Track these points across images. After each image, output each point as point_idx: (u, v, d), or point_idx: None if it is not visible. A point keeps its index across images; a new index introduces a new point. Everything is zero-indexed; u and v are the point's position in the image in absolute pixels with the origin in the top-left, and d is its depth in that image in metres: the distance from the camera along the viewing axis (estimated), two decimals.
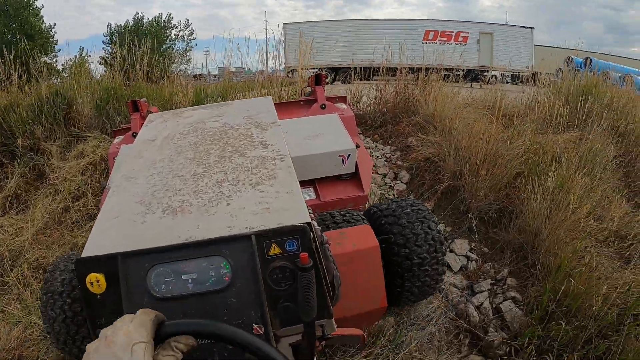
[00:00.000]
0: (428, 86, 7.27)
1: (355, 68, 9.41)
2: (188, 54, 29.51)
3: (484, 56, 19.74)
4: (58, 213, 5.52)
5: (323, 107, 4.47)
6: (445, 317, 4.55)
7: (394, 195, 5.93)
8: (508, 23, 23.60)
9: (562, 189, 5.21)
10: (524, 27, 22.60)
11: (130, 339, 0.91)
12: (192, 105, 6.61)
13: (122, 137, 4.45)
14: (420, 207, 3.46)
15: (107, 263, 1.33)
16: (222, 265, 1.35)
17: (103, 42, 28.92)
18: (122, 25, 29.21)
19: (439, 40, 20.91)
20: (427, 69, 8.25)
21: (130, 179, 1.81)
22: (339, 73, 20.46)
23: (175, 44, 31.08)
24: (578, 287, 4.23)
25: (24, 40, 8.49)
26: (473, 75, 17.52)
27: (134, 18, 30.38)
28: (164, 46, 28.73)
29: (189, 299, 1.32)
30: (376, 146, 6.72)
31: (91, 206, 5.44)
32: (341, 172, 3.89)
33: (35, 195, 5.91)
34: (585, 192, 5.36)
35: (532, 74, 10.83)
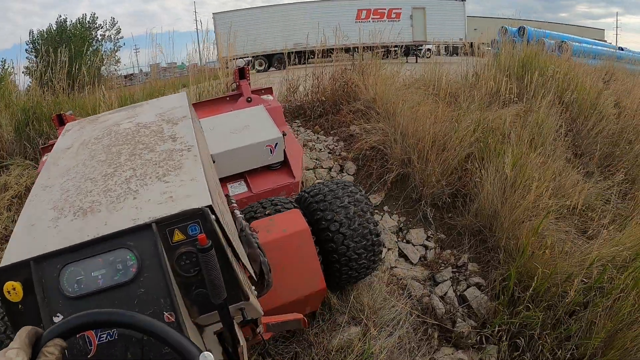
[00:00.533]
0: (366, 69, 6.82)
1: (289, 53, 8.94)
2: (116, 54, 28.07)
3: (417, 31, 19.73)
4: None
5: (249, 100, 4.48)
6: (412, 316, 4.28)
7: None
8: None
9: (515, 167, 4.96)
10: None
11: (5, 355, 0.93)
12: None
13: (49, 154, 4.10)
14: (352, 188, 3.43)
15: (21, 270, 1.32)
16: (128, 257, 1.34)
17: (26, 50, 27.23)
18: (45, 30, 27.67)
19: (372, 19, 20.79)
20: (363, 48, 7.93)
21: (46, 188, 1.79)
22: (273, 59, 19.97)
23: (102, 44, 29.96)
24: (543, 271, 4.01)
25: None
26: (407, 50, 17.47)
27: (56, 22, 28.78)
28: (90, 49, 27.20)
29: (101, 295, 1.30)
30: (318, 138, 6.24)
31: None
32: (270, 162, 3.92)
33: None
34: (539, 169, 5.14)
35: (470, 44, 10.72)
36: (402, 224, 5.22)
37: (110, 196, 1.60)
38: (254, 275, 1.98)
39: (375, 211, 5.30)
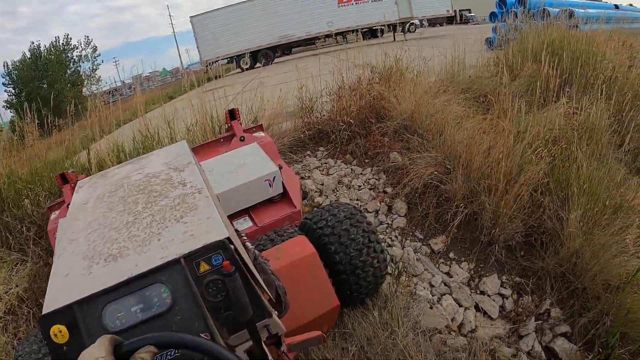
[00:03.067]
0: (392, 77, 5.86)
1: (275, 47, 7.95)
2: (96, 72, 27.89)
3: (403, 8, 18.69)
4: None
5: (242, 139, 4.61)
6: None
7: (396, 237, 4.69)
8: None
9: (591, 195, 4.29)
10: None
11: (91, 355, 1.06)
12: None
13: (57, 212, 4.42)
14: (352, 210, 3.49)
15: (65, 313, 1.41)
16: (162, 290, 1.44)
17: (3, 84, 26.86)
18: (19, 60, 26.36)
19: (354, 1, 19.31)
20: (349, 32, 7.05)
21: (72, 241, 1.86)
22: (259, 56, 18.92)
23: (80, 65, 28.87)
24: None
25: None
26: (394, 29, 16.70)
27: (30, 49, 27.34)
28: (68, 71, 26.71)
29: (141, 326, 1.40)
30: (352, 170, 5.32)
31: None
32: (271, 195, 4.00)
33: None
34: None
35: (450, 16, 9.99)
36: (472, 271, 4.50)
37: (136, 241, 1.68)
38: (272, 298, 2.06)
39: (441, 260, 4.55)
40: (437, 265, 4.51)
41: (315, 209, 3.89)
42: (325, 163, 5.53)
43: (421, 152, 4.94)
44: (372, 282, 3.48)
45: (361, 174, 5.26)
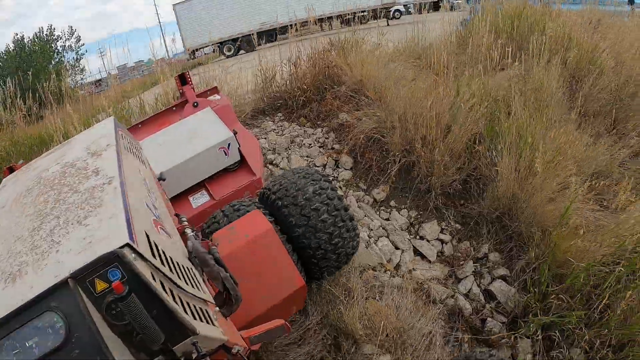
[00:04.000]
0: (346, 47, 6.16)
1: (258, 34, 8.22)
2: (80, 62, 27.06)
3: None
4: None
5: (195, 105, 4.33)
6: (439, 324, 3.96)
7: (340, 187, 4.95)
8: None
9: (525, 143, 4.50)
10: None
11: None
12: None
13: None
14: (313, 175, 3.24)
15: None
16: (55, 319, 1.25)
17: None
18: (4, 52, 26.19)
19: None
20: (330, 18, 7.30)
21: None
22: (242, 42, 18.50)
23: (64, 56, 28.34)
24: (576, 267, 3.77)
25: None
26: (376, 14, 16.91)
27: (13, 41, 27.24)
28: (52, 62, 26.09)
29: None
30: (305, 131, 5.62)
31: None
32: (227, 164, 3.81)
33: None
34: (548, 138, 4.68)
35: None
36: (412, 219, 4.73)
37: (36, 253, 1.49)
38: (210, 298, 1.92)
39: (382, 208, 4.79)
40: (377, 213, 4.75)
41: (272, 176, 3.72)
42: (280, 126, 5.81)
43: (366, 110, 5.21)
44: (343, 254, 3.25)
45: (312, 134, 5.55)
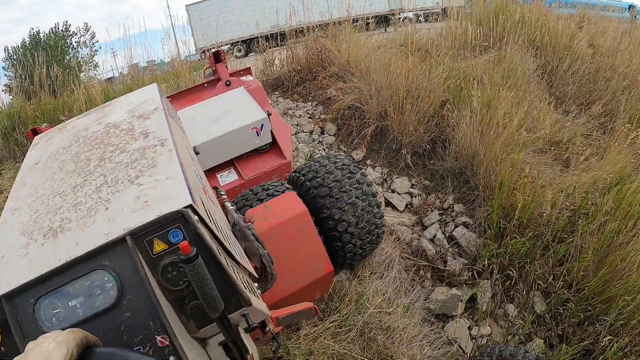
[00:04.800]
0: (339, 35, 6.91)
1: (267, 36, 8.95)
2: (94, 58, 26.98)
3: None
4: None
5: (228, 83, 4.30)
6: (402, 259, 4.43)
7: (324, 150, 5.60)
8: None
9: (489, 107, 5.05)
10: None
11: (45, 357, 0.83)
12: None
13: None
14: (346, 162, 3.31)
15: None
16: (106, 279, 1.21)
17: (3, 68, 25.81)
18: (20, 45, 26.00)
19: None
20: (340, 23, 7.94)
21: (15, 211, 1.63)
22: (252, 44, 19.38)
23: (78, 51, 28.37)
24: (525, 198, 4.15)
25: None
26: (386, 20, 17.18)
27: (29, 35, 27.61)
28: (67, 57, 25.39)
29: (83, 326, 1.16)
30: (297, 105, 6.35)
31: None
32: (258, 145, 3.78)
33: None
34: (512, 105, 5.24)
35: (443, 9, 10.66)
36: (386, 175, 5.33)
37: (80, 210, 1.45)
38: (253, 271, 1.88)
39: (359, 165, 5.42)
40: None
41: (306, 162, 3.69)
42: (276, 101, 6.55)
43: (350, 84, 5.90)
44: (367, 242, 3.31)
45: (303, 107, 6.27)
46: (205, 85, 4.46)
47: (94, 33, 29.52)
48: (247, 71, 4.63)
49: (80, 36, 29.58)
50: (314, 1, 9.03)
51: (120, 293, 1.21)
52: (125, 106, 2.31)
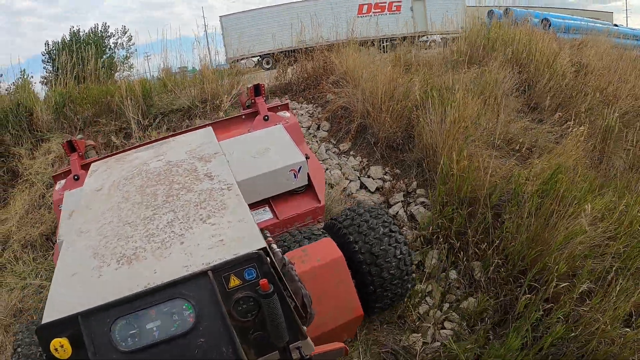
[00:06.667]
0: (342, 50, 8.15)
1: (294, 50, 9.95)
2: (129, 60, 27.34)
3: (419, 22, 19.90)
4: (36, 200, 6.48)
5: (266, 118, 4.38)
6: None
7: (317, 142, 6.76)
8: None
9: (446, 108, 5.97)
10: None
11: None
12: (140, 104, 7.65)
13: (63, 181, 4.30)
14: (382, 215, 3.51)
15: (68, 325, 1.33)
16: (184, 307, 1.37)
17: (43, 60, 28.31)
18: (60, 41, 27.50)
19: (373, 13, 20.88)
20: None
21: (82, 233, 1.79)
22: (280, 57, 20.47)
23: (115, 52, 29.84)
24: (461, 179, 5.11)
25: None
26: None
27: (70, 32, 28.93)
28: (104, 56, 26.81)
29: (158, 347, 1.32)
30: (301, 106, 7.60)
31: None
32: (295, 186, 3.84)
33: (12, 192, 6.82)
34: (476, 108, 6.20)
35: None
36: (364, 164, 6.42)
37: (155, 241, 1.59)
38: (300, 309, 1.98)
39: (343, 155, 6.55)
40: (339, 158, 6.52)
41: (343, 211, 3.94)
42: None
43: (344, 90, 7.09)
44: (398, 294, 3.45)
45: (306, 107, 7.51)
46: (243, 117, 4.59)
47: (131, 36, 31.07)
48: (285, 107, 4.73)
49: (118, 38, 31.25)
50: (345, 22, 9.95)
51: (197, 321, 1.33)
52: (184, 146, 2.51)
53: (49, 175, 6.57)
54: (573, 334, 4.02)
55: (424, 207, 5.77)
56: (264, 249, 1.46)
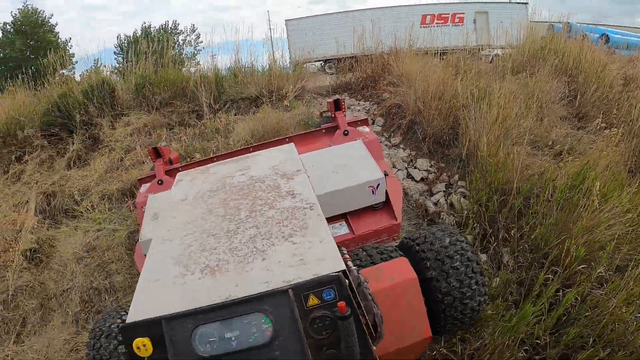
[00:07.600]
0: (400, 54, 8.91)
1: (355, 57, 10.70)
2: (196, 57, 28.72)
3: (481, 35, 19.85)
4: (115, 162, 7.48)
5: (346, 133, 4.43)
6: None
7: None
8: (503, 0, 22.84)
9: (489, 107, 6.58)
10: (518, 3, 22.24)
11: None
12: (212, 90, 8.60)
13: (147, 185, 4.47)
14: (457, 236, 3.44)
15: (151, 327, 1.42)
16: (263, 320, 1.43)
17: (115, 52, 29.88)
18: (131, 35, 29.56)
19: (436, 23, 20.73)
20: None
21: (166, 241, 1.87)
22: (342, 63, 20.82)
23: (183, 49, 31.23)
24: (503, 172, 5.72)
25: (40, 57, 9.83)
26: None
27: (141, 27, 31.10)
28: (172, 52, 28.79)
29: (235, 356, 1.40)
30: (359, 103, 8.44)
31: (140, 156, 7.35)
32: (372, 202, 3.87)
33: (93, 155, 7.85)
34: (521, 112, 6.80)
35: None
36: (412, 156, 7.16)
37: (237, 255, 1.65)
38: (371, 328, 1.98)
39: (393, 148, 7.32)
40: (389, 149, 7.30)
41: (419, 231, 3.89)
42: (344, 99, 8.64)
43: (399, 89, 7.86)
44: (468, 315, 3.34)
45: (363, 105, 8.32)
46: (323, 130, 4.64)
47: (199, 34, 32.61)
48: (364, 122, 4.74)
49: (186, 35, 32.97)
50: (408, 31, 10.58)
51: (274, 335, 1.40)
52: (268, 162, 2.59)
53: (127, 143, 7.63)
54: (586, 314, 4.33)
55: (464, 197, 6.41)
56: (343, 271, 1.53)
